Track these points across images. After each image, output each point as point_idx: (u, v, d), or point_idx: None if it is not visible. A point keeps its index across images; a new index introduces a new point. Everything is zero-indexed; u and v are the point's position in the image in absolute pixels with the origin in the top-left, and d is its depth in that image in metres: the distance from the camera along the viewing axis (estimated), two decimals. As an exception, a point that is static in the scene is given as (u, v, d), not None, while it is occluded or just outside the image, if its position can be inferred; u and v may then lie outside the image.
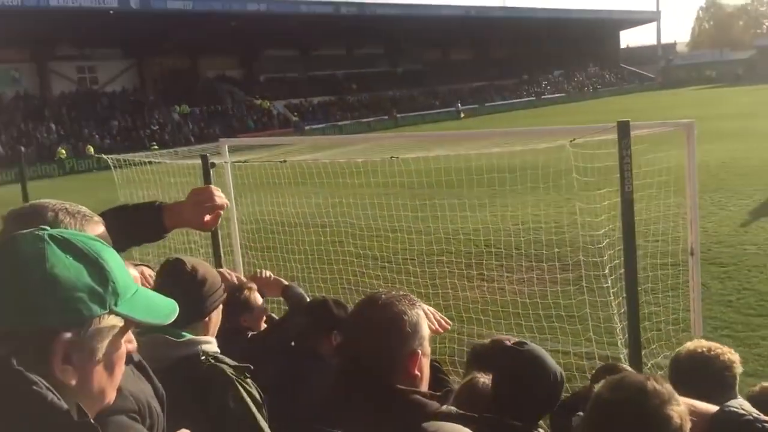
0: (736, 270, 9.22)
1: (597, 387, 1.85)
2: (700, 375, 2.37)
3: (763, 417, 1.94)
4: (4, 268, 1.15)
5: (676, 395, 1.75)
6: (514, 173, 8.26)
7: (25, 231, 1.21)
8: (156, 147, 34.68)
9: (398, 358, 1.79)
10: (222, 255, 6.77)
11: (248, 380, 2.35)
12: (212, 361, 2.31)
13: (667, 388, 1.74)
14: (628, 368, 2.60)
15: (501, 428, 2.21)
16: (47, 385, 1.10)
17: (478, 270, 9.24)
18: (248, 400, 2.28)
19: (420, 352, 1.82)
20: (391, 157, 6.57)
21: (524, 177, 8.13)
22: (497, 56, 78.01)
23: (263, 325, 3.77)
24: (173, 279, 2.34)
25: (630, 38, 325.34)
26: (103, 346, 1.18)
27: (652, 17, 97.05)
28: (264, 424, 2.30)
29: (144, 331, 2.22)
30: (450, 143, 8.89)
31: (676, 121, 5.59)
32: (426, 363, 1.86)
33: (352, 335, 1.93)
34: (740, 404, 2.07)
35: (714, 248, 10.22)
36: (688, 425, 1.73)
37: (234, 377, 2.30)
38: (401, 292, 1.95)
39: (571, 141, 4.90)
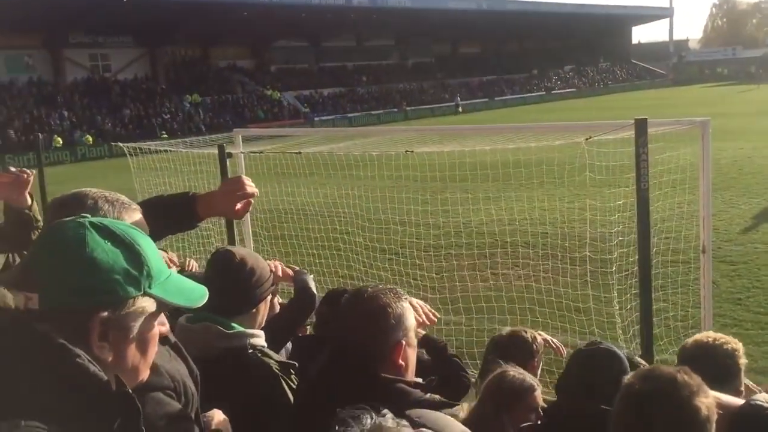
0: (746, 268, 9.24)
1: (627, 378, 1.89)
2: (704, 362, 2.40)
3: None
4: (48, 251, 1.26)
5: (705, 387, 1.79)
6: (526, 168, 8.31)
7: (67, 218, 1.31)
8: (165, 136, 34.78)
9: (383, 348, 1.87)
10: (236, 243, 6.86)
11: (292, 377, 2.38)
12: (259, 355, 2.35)
13: (696, 379, 1.78)
14: (641, 360, 2.66)
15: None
16: (89, 358, 1.19)
17: (486, 263, 9.28)
18: (291, 397, 2.31)
19: (404, 342, 1.90)
20: (406, 151, 6.62)
21: (536, 172, 8.16)
22: (507, 50, 77.67)
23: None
24: (222, 269, 2.39)
25: (642, 34, 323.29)
26: (137, 326, 1.26)
27: (665, 13, 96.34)
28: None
29: (196, 319, 2.30)
30: (465, 138, 8.91)
31: (691, 118, 5.58)
32: (411, 353, 1.95)
33: (339, 326, 2.02)
34: (766, 398, 2.10)
35: (724, 246, 10.23)
36: (714, 417, 1.77)
37: (279, 374, 2.34)
38: (388, 286, 2.03)
39: (587, 139, 4.93)
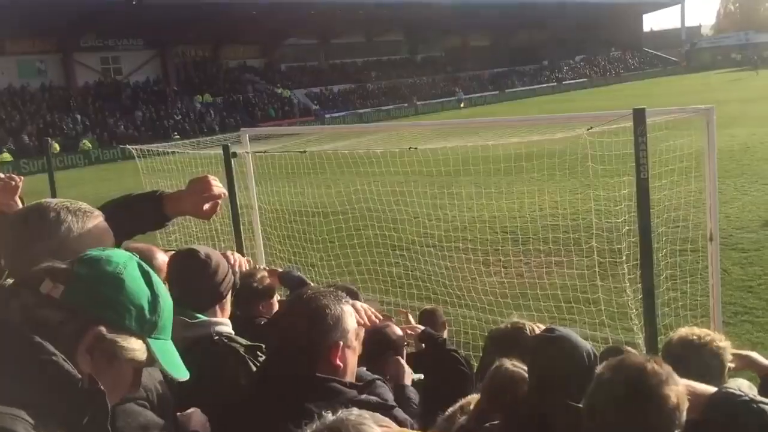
0: (758, 256, 9.16)
1: (598, 368, 1.91)
2: (688, 362, 2.39)
3: (759, 398, 1.99)
4: (92, 266, 1.35)
5: (675, 376, 1.81)
6: (532, 161, 8.28)
7: (122, 250, 1.44)
8: (177, 137, 34.97)
9: (320, 349, 1.92)
10: (243, 242, 6.92)
11: (260, 359, 2.40)
12: (225, 341, 2.39)
13: (665, 368, 1.80)
14: (632, 350, 2.65)
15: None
16: (64, 357, 1.24)
17: (496, 256, 9.28)
18: None
19: (342, 343, 1.94)
20: (410, 148, 6.62)
21: (542, 164, 8.13)
22: (518, 42, 77.24)
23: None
24: (189, 267, 2.45)
25: (654, 22, 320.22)
26: (122, 358, 1.33)
27: (676, 0, 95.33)
28: None
29: None
30: (468, 133, 8.91)
31: (695, 106, 5.54)
32: (350, 354, 1.99)
33: (277, 326, 2.07)
34: (738, 385, 2.11)
35: (736, 234, 10.15)
36: (685, 405, 1.79)
37: (246, 357, 2.37)
38: (330, 289, 2.09)
39: (587, 129, 4.91)
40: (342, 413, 1.16)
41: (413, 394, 2.89)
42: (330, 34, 61.60)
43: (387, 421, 1.26)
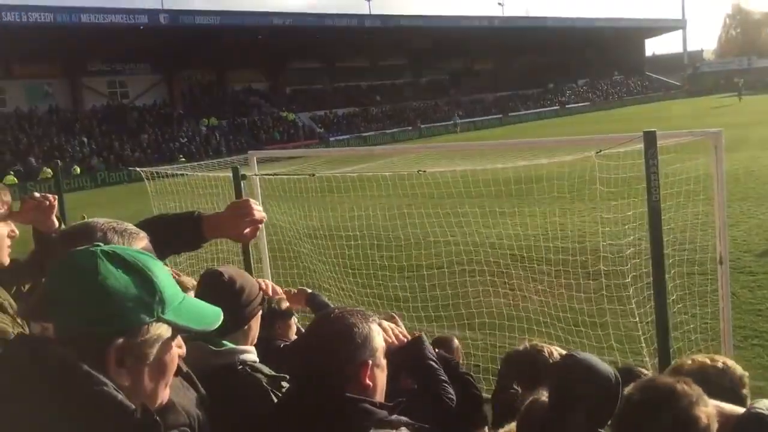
0: (767, 279, 9.12)
1: (626, 389, 1.90)
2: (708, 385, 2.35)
3: None
4: (63, 281, 1.28)
5: (705, 397, 1.79)
6: (540, 183, 8.30)
7: (80, 248, 1.34)
8: (183, 159, 35.14)
9: (349, 369, 1.89)
10: (252, 264, 6.93)
11: (283, 390, 2.36)
12: (249, 370, 2.35)
13: (695, 389, 1.79)
14: (643, 370, 2.63)
15: None
16: (114, 386, 1.20)
17: (502, 279, 9.25)
18: None
19: (371, 362, 1.92)
20: (418, 171, 6.65)
21: (550, 187, 8.16)
22: (521, 66, 77.80)
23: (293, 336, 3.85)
24: (211, 290, 2.38)
25: (656, 46, 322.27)
26: (153, 351, 1.29)
27: (678, 25, 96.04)
28: None
29: (187, 338, 2.32)
30: (477, 156, 8.94)
31: (703, 130, 5.56)
32: (379, 374, 1.96)
33: (305, 347, 2.05)
34: (766, 406, 2.09)
35: (743, 257, 10.11)
36: (715, 426, 1.78)
37: (269, 388, 2.33)
38: (357, 308, 2.06)
39: (597, 152, 4.94)
40: None
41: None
42: (335, 58, 62.14)
43: None
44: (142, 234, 1.81)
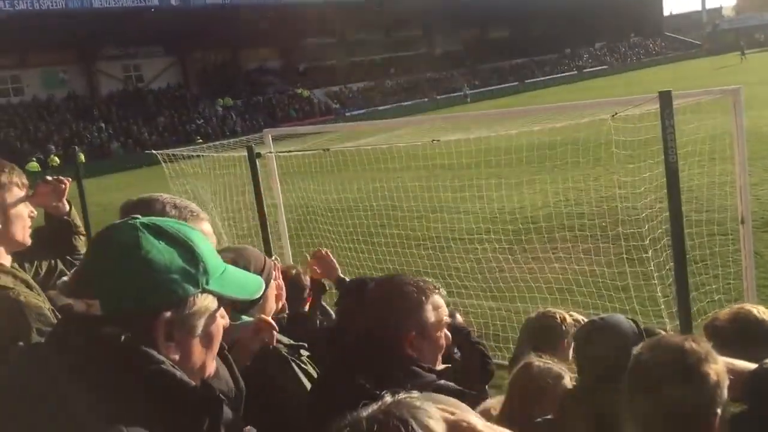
0: (791, 237, 8.98)
1: (636, 348, 1.90)
2: (744, 339, 2.34)
3: None
4: (104, 256, 1.26)
5: (714, 353, 1.79)
6: (555, 149, 8.22)
7: (118, 221, 1.32)
8: (201, 141, 35.23)
9: (406, 330, 1.94)
10: (270, 241, 6.97)
11: (303, 358, 2.40)
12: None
13: (704, 346, 1.78)
14: (662, 332, 2.61)
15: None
16: (172, 363, 1.20)
17: (522, 247, 9.23)
18: (302, 378, 2.34)
19: (416, 332, 1.95)
20: (432, 140, 6.61)
21: (565, 153, 8.08)
22: (537, 32, 76.58)
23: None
24: None
25: (674, 5, 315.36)
26: (200, 323, 1.28)
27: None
28: None
29: None
30: (491, 122, 8.86)
31: (721, 87, 5.45)
32: (426, 346, 1.99)
33: (368, 308, 2.09)
34: None
35: (767, 216, 9.97)
36: (726, 382, 1.77)
37: (288, 356, 2.35)
38: (425, 278, 2.08)
39: (613, 115, 4.87)
40: (401, 395, 1.09)
41: None
42: (348, 32, 61.62)
43: (452, 403, 1.16)
44: (204, 215, 1.82)
